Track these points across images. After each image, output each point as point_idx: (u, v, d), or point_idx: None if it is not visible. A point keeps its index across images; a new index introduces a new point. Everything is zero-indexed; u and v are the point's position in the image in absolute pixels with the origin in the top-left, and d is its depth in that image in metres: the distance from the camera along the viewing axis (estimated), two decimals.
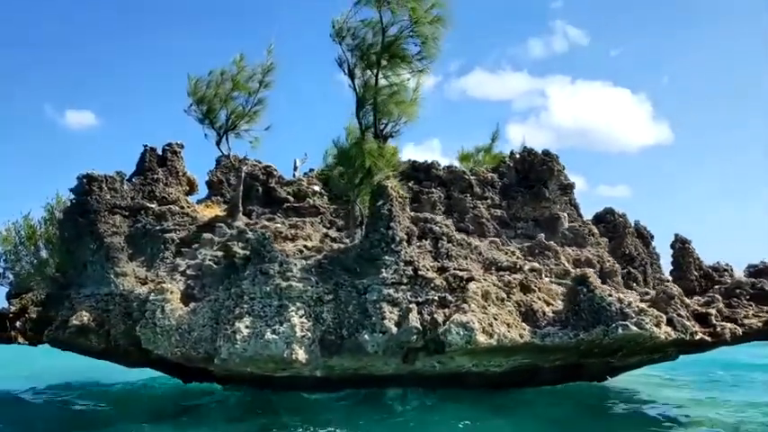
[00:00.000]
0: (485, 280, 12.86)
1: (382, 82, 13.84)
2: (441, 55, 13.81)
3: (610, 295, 11.95)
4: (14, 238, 18.12)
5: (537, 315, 12.46)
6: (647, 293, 13.95)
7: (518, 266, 13.36)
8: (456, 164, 18.57)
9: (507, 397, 13.55)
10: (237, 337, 12.35)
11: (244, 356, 12.35)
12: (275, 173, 17.49)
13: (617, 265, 15.62)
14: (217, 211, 17.62)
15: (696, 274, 16.65)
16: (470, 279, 12.84)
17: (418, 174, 17.37)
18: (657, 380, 18.75)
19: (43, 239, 19.02)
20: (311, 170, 18.68)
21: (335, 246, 13.96)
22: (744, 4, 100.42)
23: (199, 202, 18.25)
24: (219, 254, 14.33)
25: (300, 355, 12.17)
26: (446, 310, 12.62)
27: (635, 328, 11.26)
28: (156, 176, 17.09)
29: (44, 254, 18.88)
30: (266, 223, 15.34)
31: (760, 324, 13.12)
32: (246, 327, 12.45)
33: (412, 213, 14.18)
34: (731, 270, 16.94)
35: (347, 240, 14.71)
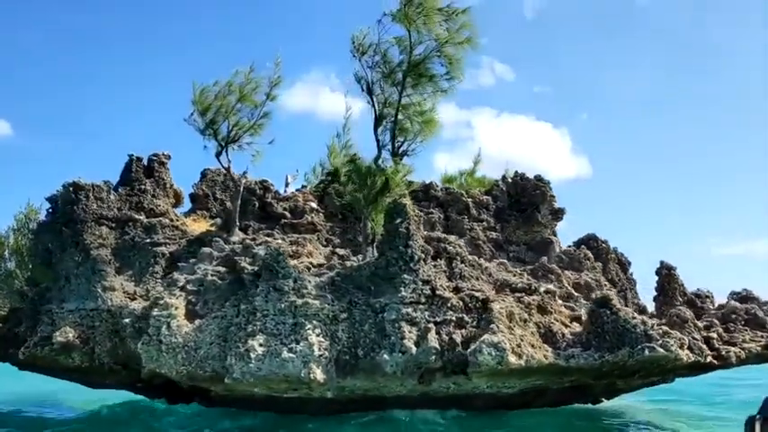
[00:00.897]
0: (503, 301, 12.82)
1: (404, 100, 13.69)
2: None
3: (633, 317, 12.11)
4: None
5: (556, 336, 12.49)
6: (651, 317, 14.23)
7: (533, 288, 13.40)
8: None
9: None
10: (252, 355, 11.82)
11: (258, 375, 11.81)
12: (272, 188, 17.00)
13: (613, 290, 15.91)
14: (205, 225, 16.93)
15: (680, 299, 17.15)
16: (487, 300, 12.80)
17: (417, 193, 17.25)
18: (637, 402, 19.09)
19: (10, 250, 17.81)
20: (304, 186, 18.26)
21: (347, 263, 13.61)
22: (658, 48, 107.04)
23: (184, 215, 17.52)
24: (222, 269, 13.73)
25: (318, 374, 11.75)
26: (463, 331, 12.56)
27: (661, 350, 11.42)
28: (143, 187, 16.31)
29: (11, 265, 17.70)
30: (267, 239, 14.82)
31: (758, 348, 13.59)
32: (260, 345, 11.94)
33: (425, 233, 14.05)
34: (712, 297, 17.53)
35: (354, 258, 14.40)
